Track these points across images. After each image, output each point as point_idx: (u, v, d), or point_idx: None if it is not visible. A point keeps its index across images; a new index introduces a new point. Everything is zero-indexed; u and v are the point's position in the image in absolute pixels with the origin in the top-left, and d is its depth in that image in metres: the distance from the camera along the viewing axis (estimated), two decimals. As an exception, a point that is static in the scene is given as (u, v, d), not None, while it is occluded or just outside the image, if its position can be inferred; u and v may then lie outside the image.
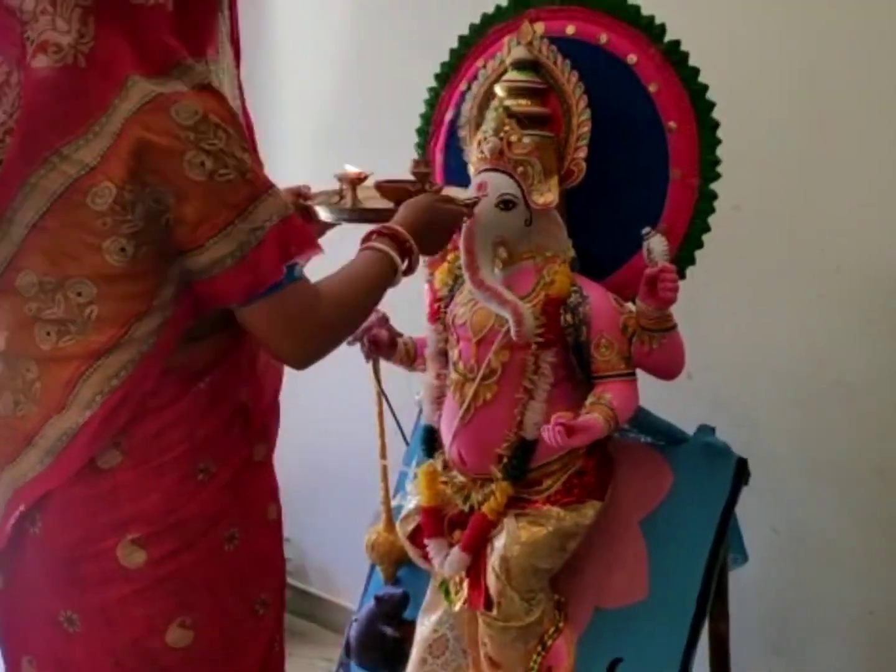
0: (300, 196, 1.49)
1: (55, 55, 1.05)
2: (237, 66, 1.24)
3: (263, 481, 1.29)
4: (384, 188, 1.47)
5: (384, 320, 1.80)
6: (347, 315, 1.24)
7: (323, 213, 1.47)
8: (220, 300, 1.12)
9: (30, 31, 1.06)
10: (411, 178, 1.51)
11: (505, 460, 1.63)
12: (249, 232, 1.08)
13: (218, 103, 1.09)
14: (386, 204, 1.45)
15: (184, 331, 1.14)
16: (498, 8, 1.76)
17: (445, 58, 1.83)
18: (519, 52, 1.66)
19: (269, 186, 1.11)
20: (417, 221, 1.32)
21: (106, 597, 1.14)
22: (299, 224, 1.16)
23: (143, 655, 1.16)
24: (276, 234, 1.10)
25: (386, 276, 1.25)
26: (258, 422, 1.25)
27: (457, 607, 1.71)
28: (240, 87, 1.24)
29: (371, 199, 1.50)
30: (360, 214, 1.48)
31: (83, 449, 1.11)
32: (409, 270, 1.29)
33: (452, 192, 1.55)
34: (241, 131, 1.11)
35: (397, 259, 1.25)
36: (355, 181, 1.47)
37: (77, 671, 1.17)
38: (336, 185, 1.51)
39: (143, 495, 1.14)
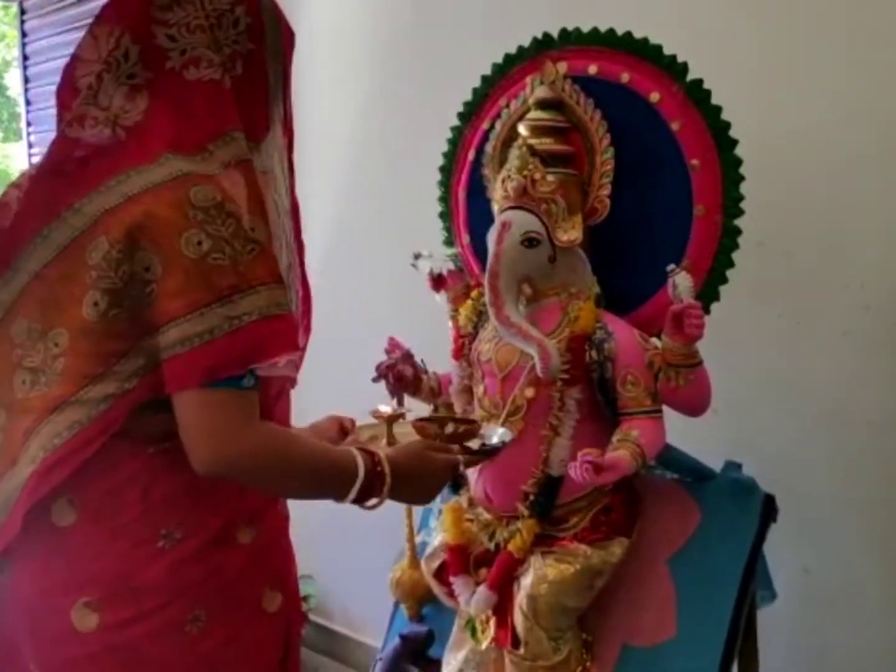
0: (342, 429, 1.41)
1: (92, 128, 1.10)
2: (289, 147, 1.26)
3: (259, 564, 1.20)
4: (419, 427, 1.38)
5: (408, 356, 1.80)
6: (278, 459, 1.10)
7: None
8: (174, 382, 1.07)
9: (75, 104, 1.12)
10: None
11: (531, 498, 1.63)
12: (225, 318, 1.05)
13: (247, 185, 1.10)
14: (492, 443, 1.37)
15: (139, 406, 1.10)
16: (520, 48, 1.78)
17: (468, 97, 1.85)
18: (542, 92, 1.68)
19: (265, 281, 1.08)
20: (403, 466, 1.18)
21: (61, 656, 1.12)
22: (284, 326, 1.10)
23: None
24: (253, 330, 1.06)
25: (334, 477, 1.13)
26: (243, 499, 1.17)
27: (483, 646, 1.69)
28: (290, 170, 1.25)
29: (407, 435, 1.37)
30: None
31: (28, 504, 1.09)
32: (362, 499, 1.15)
33: (489, 431, 1.43)
34: (260, 221, 1.10)
35: (360, 479, 1.13)
36: (392, 420, 1.39)
37: None
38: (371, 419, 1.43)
39: (98, 557, 1.11)
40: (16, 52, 3.83)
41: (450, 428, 1.37)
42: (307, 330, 1.28)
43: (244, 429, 1.08)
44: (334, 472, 1.13)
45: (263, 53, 1.18)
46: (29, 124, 3.68)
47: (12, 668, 1.16)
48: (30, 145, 3.72)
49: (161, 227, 1.05)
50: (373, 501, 1.16)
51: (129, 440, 1.12)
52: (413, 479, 1.19)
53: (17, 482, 1.10)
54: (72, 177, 1.10)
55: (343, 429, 1.41)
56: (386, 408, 1.42)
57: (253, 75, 1.17)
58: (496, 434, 1.41)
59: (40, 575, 1.13)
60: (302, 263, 1.26)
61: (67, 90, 1.14)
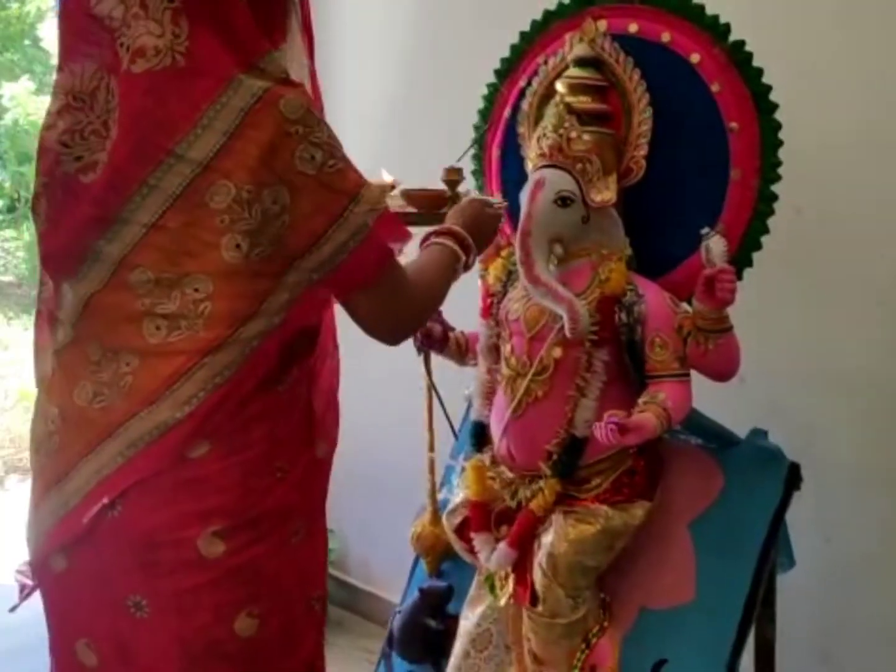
0: None
1: (154, 58, 1.08)
2: (310, 54, 1.26)
3: (324, 478, 1.32)
4: (411, 196, 1.53)
5: (437, 313, 1.80)
6: (428, 298, 1.30)
7: None
8: (349, 288, 1.18)
9: (122, 37, 1.09)
10: (439, 186, 1.58)
11: (554, 457, 1.63)
12: (365, 213, 1.13)
13: (304, 94, 1.12)
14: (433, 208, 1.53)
15: (286, 339, 1.17)
16: (560, 4, 1.76)
17: (506, 53, 1.83)
18: (581, 49, 1.66)
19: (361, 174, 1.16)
20: (469, 223, 1.39)
21: (179, 584, 1.15)
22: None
23: (210, 642, 1.17)
24: (386, 214, 1.16)
25: (452, 269, 1.33)
26: (318, 419, 1.28)
27: (502, 602, 1.71)
28: (312, 76, 1.26)
29: (398, 206, 1.55)
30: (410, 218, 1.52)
31: (177, 444, 1.13)
32: (467, 266, 1.37)
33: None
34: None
35: (461, 253, 1.33)
36: (385, 190, 1.47)
37: (140, 655, 1.18)
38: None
39: (227, 489, 1.15)
40: (51, 3, 3.83)
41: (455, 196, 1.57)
42: None
43: (411, 290, 1.22)
44: (450, 270, 1.33)
45: None
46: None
47: (107, 603, 1.17)
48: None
49: (274, 156, 1.07)
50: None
51: (259, 378, 1.16)
52: (477, 233, 1.40)
53: (160, 421, 1.12)
54: (156, 117, 1.08)
55: None
56: (387, 175, 1.57)
57: None
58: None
59: (164, 508, 1.14)
60: None
61: (81, 17, 1.12)
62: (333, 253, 1.12)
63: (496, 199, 1.66)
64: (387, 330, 1.23)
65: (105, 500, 1.14)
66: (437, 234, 1.36)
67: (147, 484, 1.14)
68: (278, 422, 1.20)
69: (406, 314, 1.25)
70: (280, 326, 1.15)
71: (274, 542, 1.20)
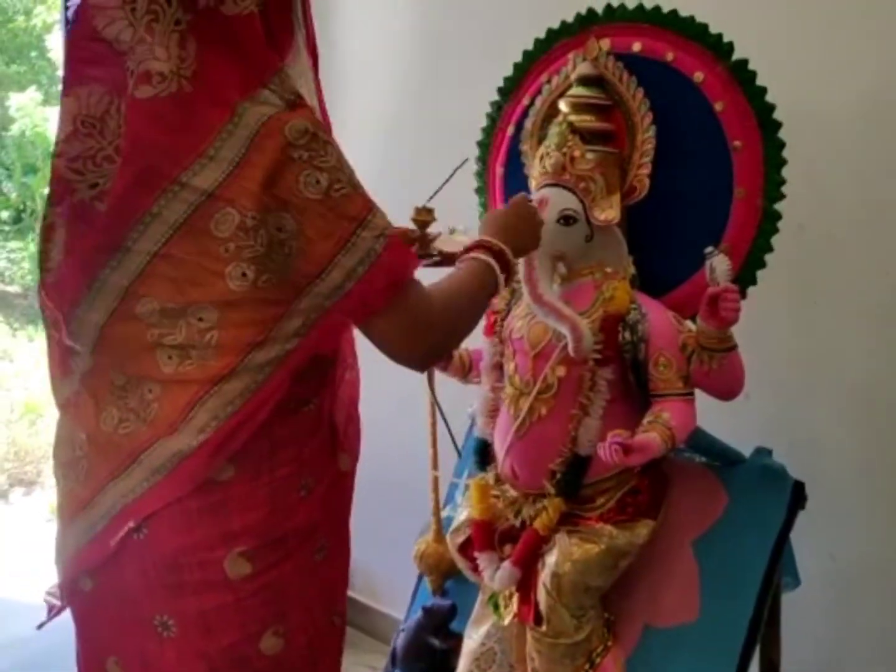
0: None
1: (160, 84, 1.07)
2: (315, 71, 1.25)
3: (348, 491, 1.32)
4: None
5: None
6: (456, 319, 1.23)
7: None
8: (362, 314, 1.13)
9: (129, 61, 1.08)
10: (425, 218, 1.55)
11: (558, 476, 1.63)
12: (374, 239, 1.10)
13: (314, 117, 1.12)
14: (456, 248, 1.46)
15: (303, 364, 1.16)
16: (563, 23, 1.76)
17: (509, 72, 1.84)
18: (584, 68, 1.67)
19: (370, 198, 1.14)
20: (504, 229, 1.34)
21: (205, 604, 1.15)
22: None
23: (236, 661, 1.17)
24: (397, 239, 1.13)
25: (487, 283, 1.26)
26: (340, 432, 1.28)
27: (506, 621, 1.70)
28: (318, 92, 1.25)
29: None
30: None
31: (197, 470, 1.13)
32: (507, 280, 1.31)
33: (447, 242, 1.55)
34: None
35: (496, 266, 1.27)
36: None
37: None
38: None
39: (253, 509, 1.15)
40: (58, 15, 3.85)
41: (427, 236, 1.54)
42: None
43: (432, 312, 1.17)
44: (487, 286, 1.26)
45: None
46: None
47: (135, 622, 1.18)
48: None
49: (278, 181, 1.06)
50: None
51: (282, 401, 1.16)
52: (516, 235, 1.35)
53: (178, 449, 1.12)
54: (161, 145, 1.08)
55: None
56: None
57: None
58: (458, 241, 1.51)
59: (190, 530, 1.14)
60: None
61: (89, 40, 1.11)
62: (343, 279, 1.10)
63: (465, 240, 1.53)
64: (408, 353, 1.17)
65: (131, 524, 1.14)
66: (471, 248, 1.31)
67: (173, 507, 1.14)
68: (306, 442, 1.20)
69: (429, 337, 1.17)
70: (294, 352, 1.14)
71: (299, 559, 1.20)
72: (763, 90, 1.57)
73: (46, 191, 1.20)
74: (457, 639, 1.83)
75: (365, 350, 1.23)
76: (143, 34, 1.07)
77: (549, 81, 1.74)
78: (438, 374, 1.83)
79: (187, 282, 1.10)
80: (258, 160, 1.06)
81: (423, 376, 1.83)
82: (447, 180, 1.64)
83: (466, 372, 1.85)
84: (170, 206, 1.08)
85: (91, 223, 1.13)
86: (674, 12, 1.63)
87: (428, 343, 1.18)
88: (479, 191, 1.92)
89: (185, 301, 1.10)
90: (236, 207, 1.06)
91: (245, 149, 1.06)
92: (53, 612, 1.25)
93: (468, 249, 1.30)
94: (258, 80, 1.10)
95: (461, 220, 1.86)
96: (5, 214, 7.82)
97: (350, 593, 2.98)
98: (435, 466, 1.88)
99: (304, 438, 1.20)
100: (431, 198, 1.65)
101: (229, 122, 1.07)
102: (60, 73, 1.29)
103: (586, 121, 1.63)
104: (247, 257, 1.08)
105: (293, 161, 1.06)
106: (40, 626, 1.29)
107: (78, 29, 1.13)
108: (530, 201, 1.51)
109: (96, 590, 1.20)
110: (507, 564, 1.65)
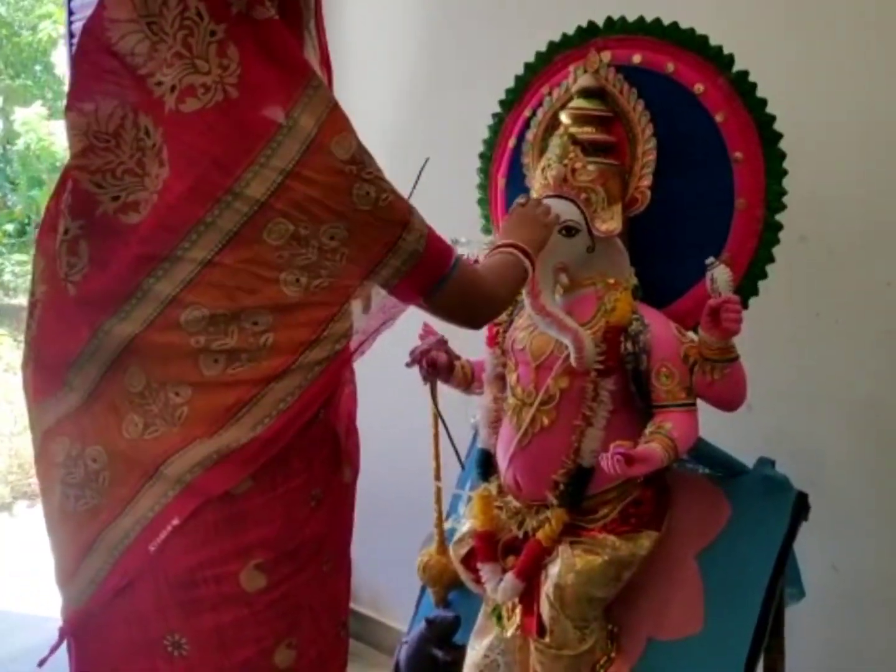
0: None
1: (205, 96, 1.08)
2: (329, 84, 1.26)
3: (351, 503, 1.33)
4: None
5: (442, 343, 1.81)
6: (501, 290, 1.37)
7: None
8: (409, 301, 1.27)
9: (153, 75, 1.09)
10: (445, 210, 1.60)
11: (561, 487, 1.63)
12: (416, 241, 1.18)
13: (351, 125, 1.15)
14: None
15: (343, 367, 1.20)
16: (564, 36, 1.77)
17: (511, 84, 1.85)
18: (585, 80, 1.67)
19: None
20: (518, 230, 1.48)
21: (221, 619, 1.14)
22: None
23: None
24: (432, 236, 1.21)
25: (520, 269, 1.42)
26: (342, 444, 1.28)
27: (509, 633, 1.70)
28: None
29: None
30: None
31: (238, 468, 1.12)
32: (533, 267, 1.46)
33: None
34: None
35: (525, 261, 1.42)
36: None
37: None
38: None
39: (268, 522, 1.15)
40: (62, 30, 3.88)
41: None
42: None
43: (483, 289, 1.32)
44: (518, 272, 1.42)
45: None
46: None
47: (143, 644, 1.15)
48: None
49: (331, 196, 1.11)
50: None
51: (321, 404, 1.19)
52: (529, 233, 1.49)
53: (221, 445, 1.11)
54: (213, 156, 1.08)
55: None
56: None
57: (289, 6, 1.17)
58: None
59: (206, 545, 1.13)
60: None
61: (101, 53, 1.11)
62: (391, 275, 1.19)
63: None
64: (468, 320, 1.33)
65: (152, 548, 1.12)
66: (498, 246, 1.44)
67: (188, 523, 1.12)
68: (315, 454, 1.20)
69: (478, 302, 1.32)
70: (341, 353, 1.17)
71: (310, 571, 1.21)
72: (764, 101, 1.57)
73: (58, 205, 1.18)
74: (460, 651, 1.82)
75: (372, 365, 1.24)
76: (178, 49, 1.09)
77: (550, 93, 1.75)
78: (441, 386, 1.84)
79: (239, 289, 1.10)
80: (310, 175, 1.09)
81: (426, 387, 1.84)
82: (415, 184, 1.66)
83: (469, 383, 1.85)
84: (223, 216, 1.09)
85: (121, 235, 1.12)
86: (674, 24, 1.64)
87: (479, 306, 1.33)
88: (480, 202, 1.93)
89: (237, 307, 1.11)
90: (289, 218, 1.09)
91: (295, 161, 1.09)
92: (60, 636, 1.21)
93: (496, 247, 1.45)
94: (299, 84, 1.11)
95: (464, 232, 1.87)
96: (10, 227, 7.86)
97: (353, 605, 2.99)
98: (438, 477, 1.88)
99: (313, 450, 1.20)
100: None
101: (278, 131, 1.09)
102: (65, 87, 1.28)
103: (587, 132, 1.64)
104: (299, 265, 1.11)
105: (344, 175, 1.10)
106: (41, 664, 1.26)
107: (89, 41, 1.13)
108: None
109: (102, 613, 1.17)
110: (509, 576, 1.65)
